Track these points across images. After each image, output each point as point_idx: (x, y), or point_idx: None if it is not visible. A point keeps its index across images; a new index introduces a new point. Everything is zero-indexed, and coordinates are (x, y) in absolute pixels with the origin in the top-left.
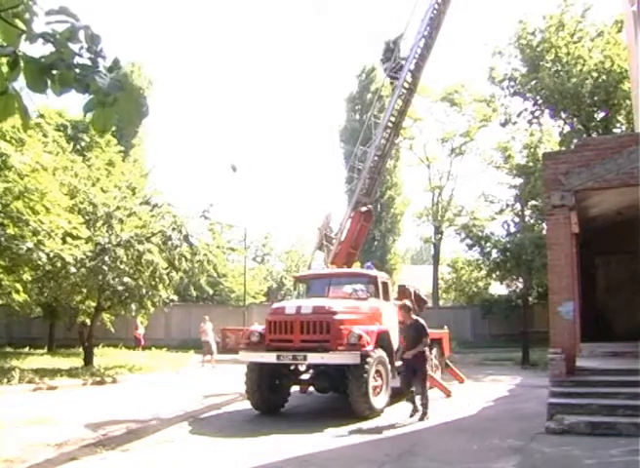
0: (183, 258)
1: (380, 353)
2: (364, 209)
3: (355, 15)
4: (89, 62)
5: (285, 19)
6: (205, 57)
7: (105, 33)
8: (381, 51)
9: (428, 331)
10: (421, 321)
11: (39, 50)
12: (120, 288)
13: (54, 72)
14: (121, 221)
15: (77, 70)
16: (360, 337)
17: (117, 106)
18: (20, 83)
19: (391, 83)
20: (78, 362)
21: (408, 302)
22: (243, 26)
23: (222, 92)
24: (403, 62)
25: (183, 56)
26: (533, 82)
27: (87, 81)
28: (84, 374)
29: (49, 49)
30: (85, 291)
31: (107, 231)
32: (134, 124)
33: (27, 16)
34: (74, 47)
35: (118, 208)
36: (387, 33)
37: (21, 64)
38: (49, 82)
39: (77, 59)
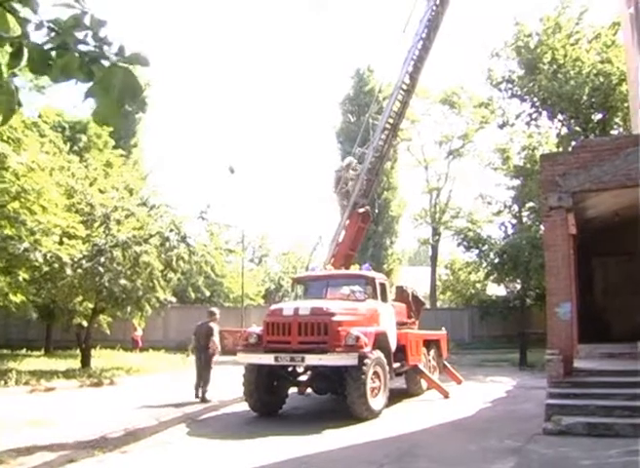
0: (181, 260)
1: (378, 354)
2: (362, 210)
3: (352, 15)
4: (94, 49)
5: (281, 20)
6: (201, 58)
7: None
8: None
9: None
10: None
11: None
12: (117, 289)
13: (57, 59)
14: (118, 222)
15: (81, 57)
16: (358, 339)
17: (119, 95)
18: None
19: None
20: (75, 364)
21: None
22: (239, 28)
23: (220, 93)
24: None
25: (180, 57)
26: (530, 84)
27: (90, 67)
28: (81, 376)
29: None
30: (82, 292)
31: (104, 232)
32: (126, 117)
33: (31, 4)
34: (79, 34)
35: (116, 208)
36: (384, 35)
37: (25, 52)
38: (52, 65)
39: (82, 47)
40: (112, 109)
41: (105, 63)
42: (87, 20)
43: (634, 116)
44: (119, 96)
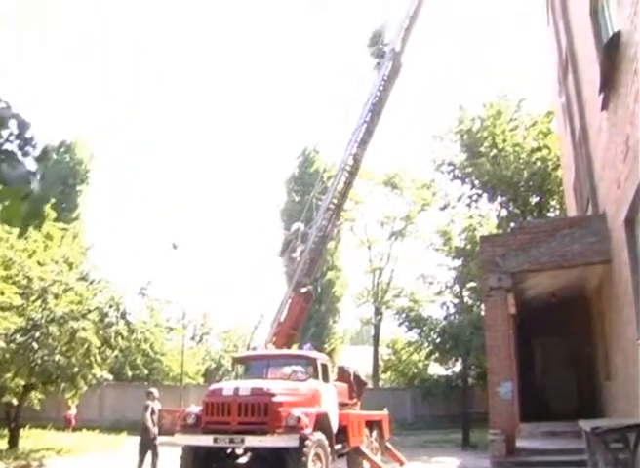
0: (120, 336)
1: (320, 436)
2: (304, 289)
3: (297, 95)
4: (16, 149)
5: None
6: (145, 132)
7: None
8: (369, 38)
9: None
10: None
11: None
12: (51, 366)
13: None
14: (56, 296)
15: None
16: (299, 420)
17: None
18: None
19: (378, 64)
20: (2, 444)
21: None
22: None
23: (165, 166)
24: (389, 45)
25: (125, 129)
26: (471, 168)
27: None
28: (7, 458)
29: None
30: (14, 368)
31: (41, 306)
32: (20, 224)
33: None
34: (4, 132)
35: (54, 282)
36: (331, 116)
37: None
38: None
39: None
40: (16, 216)
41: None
42: (12, 122)
43: (568, 199)
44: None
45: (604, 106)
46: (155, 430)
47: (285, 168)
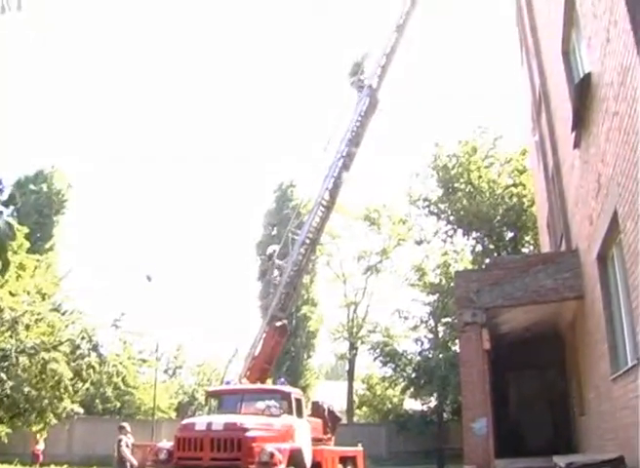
0: (91, 369)
1: None
2: (279, 323)
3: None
4: None
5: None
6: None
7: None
8: (349, 67)
9: None
10: None
11: None
12: (20, 398)
13: None
14: (27, 327)
15: None
16: (272, 455)
17: None
18: None
19: (359, 89)
20: None
21: None
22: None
23: (143, 199)
24: (366, 81)
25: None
26: (447, 203)
27: None
28: None
29: None
30: None
31: (12, 336)
32: None
33: None
34: None
35: (25, 312)
36: (309, 148)
37: None
38: None
39: None
40: None
41: None
42: None
43: (542, 235)
44: None
45: (576, 144)
46: (134, 461)
47: (262, 201)
